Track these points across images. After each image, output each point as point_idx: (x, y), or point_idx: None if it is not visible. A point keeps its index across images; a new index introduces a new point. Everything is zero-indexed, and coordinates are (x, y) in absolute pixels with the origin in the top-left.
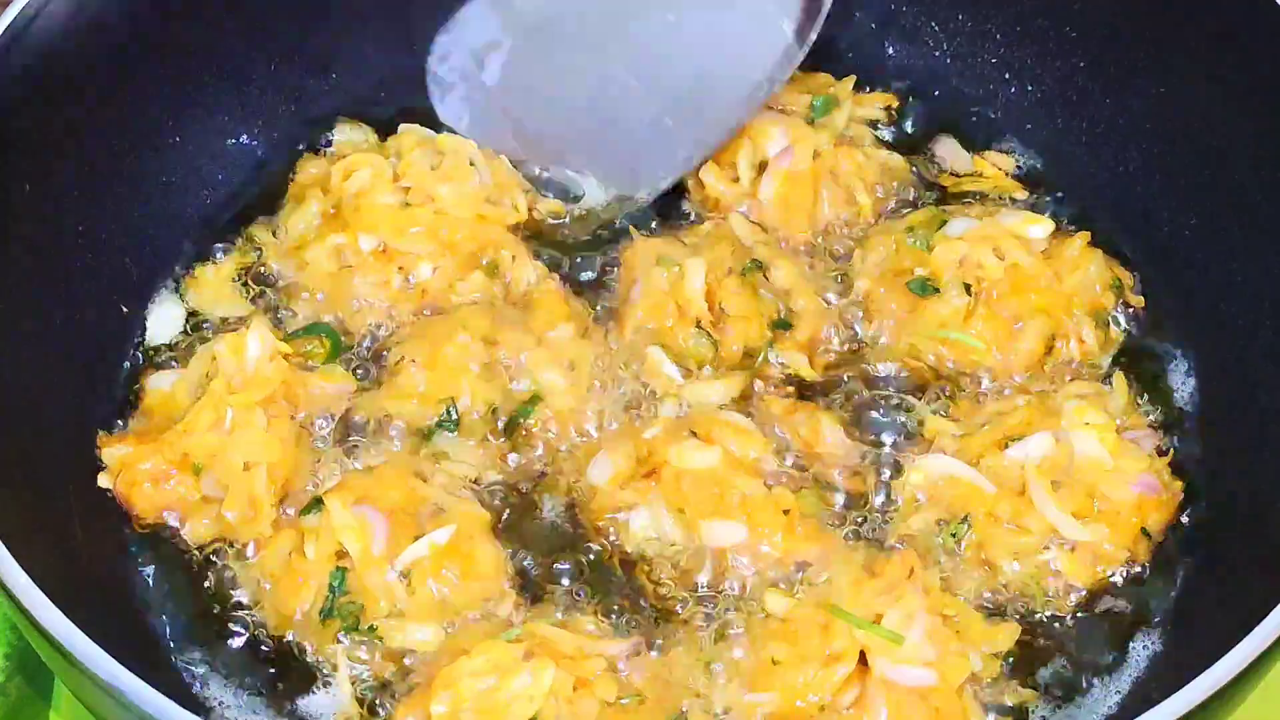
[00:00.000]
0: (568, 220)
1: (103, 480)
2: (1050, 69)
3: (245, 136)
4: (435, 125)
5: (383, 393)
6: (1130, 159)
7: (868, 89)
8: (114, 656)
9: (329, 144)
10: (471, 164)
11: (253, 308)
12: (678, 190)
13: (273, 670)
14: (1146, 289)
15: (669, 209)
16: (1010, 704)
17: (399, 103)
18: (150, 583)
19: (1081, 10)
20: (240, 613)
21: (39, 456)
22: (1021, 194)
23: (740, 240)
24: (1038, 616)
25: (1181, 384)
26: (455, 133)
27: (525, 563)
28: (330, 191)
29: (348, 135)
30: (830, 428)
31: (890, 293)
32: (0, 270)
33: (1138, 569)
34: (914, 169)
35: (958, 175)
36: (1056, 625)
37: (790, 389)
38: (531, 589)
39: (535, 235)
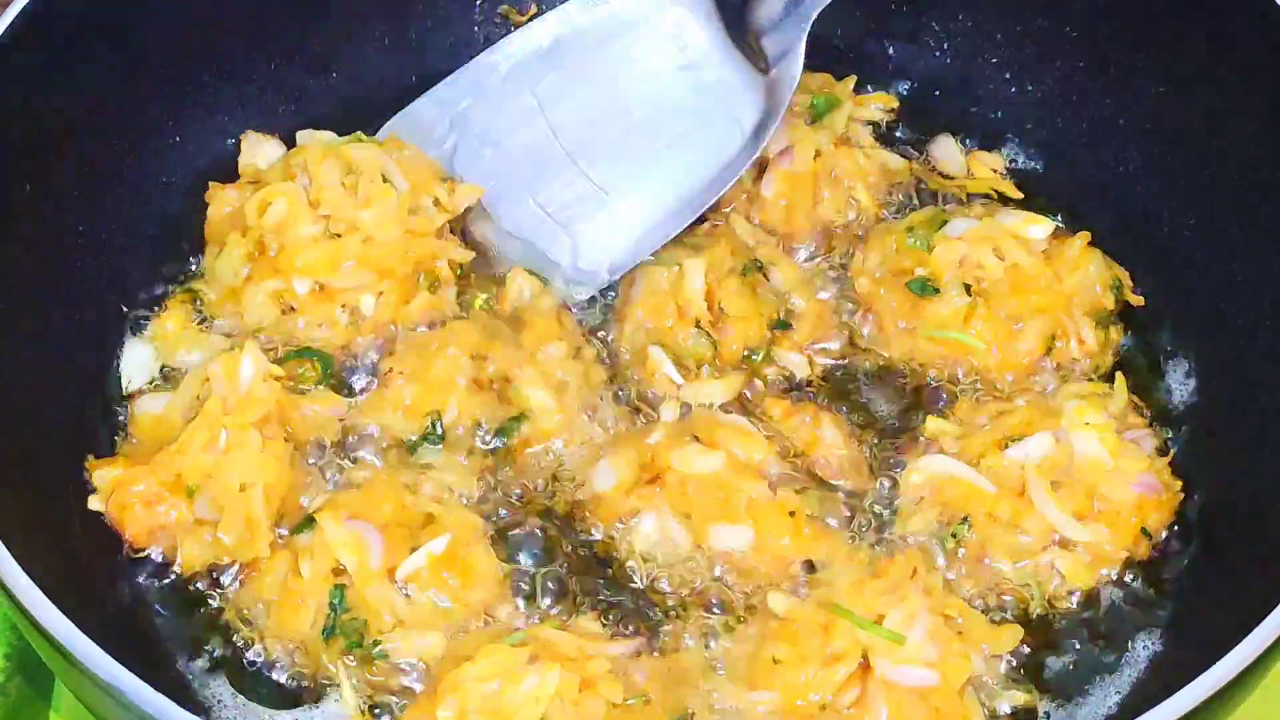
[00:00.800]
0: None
1: (93, 503)
2: (1050, 69)
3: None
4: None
5: (367, 405)
6: (1130, 159)
7: (869, 89)
8: (114, 656)
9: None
10: (385, 179)
11: (224, 344)
12: None
13: (276, 679)
14: (1146, 289)
15: None
16: (1010, 704)
17: (398, 103)
18: (151, 583)
19: (1081, 10)
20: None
21: (39, 456)
22: (1015, 194)
23: (740, 240)
24: (1038, 616)
25: (1181, 384)
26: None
27: (523, 568)
28: (250, 229)
29: (254, 150)
30: (830, 428)
31: (890, 293)
32: (1, 269)
33: (1138, 569)
34: (914, 169)
35: (953, 176)
36: (1056, 625)
37: (789, 389)
38: (531, 594)
39: None
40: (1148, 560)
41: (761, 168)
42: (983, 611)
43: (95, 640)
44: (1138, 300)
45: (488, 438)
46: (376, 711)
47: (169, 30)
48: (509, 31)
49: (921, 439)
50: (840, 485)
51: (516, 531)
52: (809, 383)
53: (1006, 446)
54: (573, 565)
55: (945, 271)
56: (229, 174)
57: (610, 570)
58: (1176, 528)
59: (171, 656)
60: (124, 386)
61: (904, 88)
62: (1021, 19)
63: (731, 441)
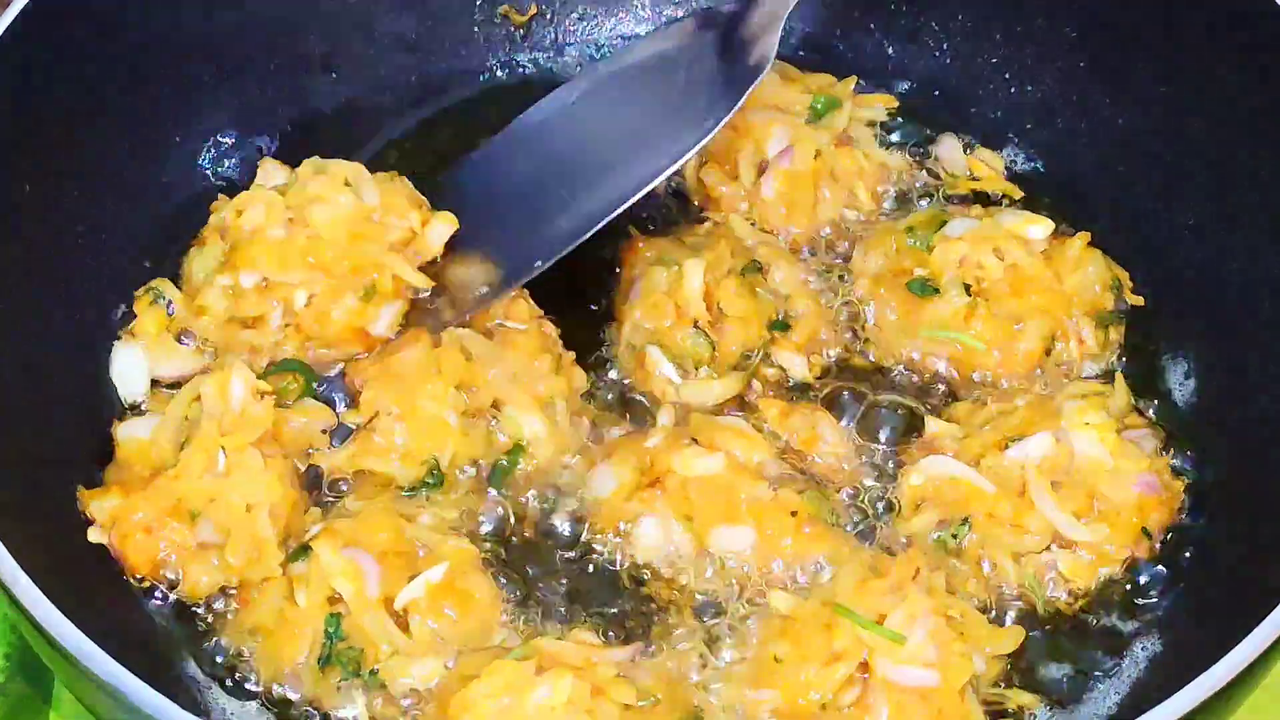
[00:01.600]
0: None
1: (93, 535)
2: (1050, 69)
3: (245, 136)
4: (431, 130)
5: (360, 449)
6: (1130, 159)
7: (869, 86)
8: (114, 656)
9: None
10: (348, 184)
11: (205, 360)
12: (678, 190)
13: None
14: (1146, 289)
15: (669, 209)
16: (1011, 705)
17: (398, 103)
18: (152, 583)
19: (1081, 10)
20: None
21: (39, 456)
22: (1016, 194)
23: (740, 240)
24: (1038, 616)
25: (1181, 384)
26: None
27: (519, 585)
28: (228, 231)
29: (267, 176)
30: (829, 429)
31: (890, 293)
32: (1, 269)
33: (1138, 569)
34: (914, 169)
35: (955, 176)
36: (1057, 625)
37: (788, 390)
38: (527, 609)
39: None
40: (1148, 560)
41: (761, 168)
42: (983, 612)
43: (95, 640)
44: (1138, 300)
45: (485, 473)
46: None
47: (169, 30)
48: (509, 32)
49: (921, 439)
50: (840, 486)
51: (514, 549)
52: (808, 383)
53: (1007, 446)
54: (572, 575)
55: (945, 271)
56: (228, 174)
57: (611, 574)
58: (1177, 528)
59: (172, 656)
60: (123, 398)
61: (904, 88)
62: (1021, 19)
63: (731, 443)
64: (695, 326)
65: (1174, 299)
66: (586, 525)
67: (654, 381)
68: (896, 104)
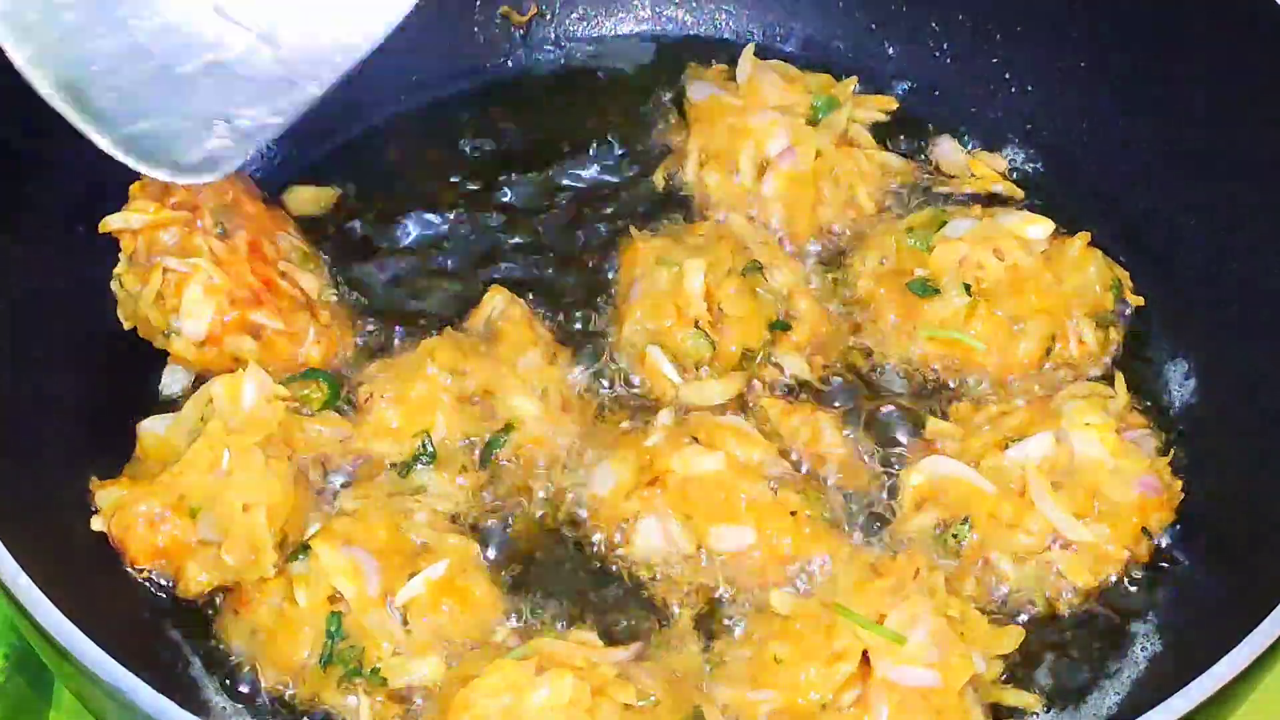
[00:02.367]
0: None
1: (96, 524)
2: (1050, 69)
3: None
4: (432, 126)
5: (356, 433)
6: (1130, 159)
7: (869, 86)
8: (114, 656)
9: None
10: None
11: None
12: (678, 190)
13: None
14: (1146, 289)
15: (669, 209)
16: (1011, 705)
17: (398, 104)
18: (152, 583)
19: (1082, 10)
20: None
21: (40, 455)
22: (1017, 194)
23: (740, 240)
24: (1038, 617)
25: (1181, 384)
26: None
27: (521, 583)
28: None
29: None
30: (829, 429)
31: (890, 293)
32: (1, 265)
33: (1138, 569)
34: (914, 169)
35: (955, 176)
36: (1057, 625)
37: (788, 390)
38: (527, 608)
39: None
40: (1148, 560)
41: (762, 168)
42: (983, 612)
43: (95, 640)
44: (1138, 301)
45: (477, 453)
46: None
47: None
48: (509, 32)
49: (922, 439)
50: (840, 485)
51: (513, 547)
52: (808, 383)
53: (1007, 447)
54: (571, 576)
55: (945, 272)
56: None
57: (610, 575)
58: (1177, 528)
59: (172, 657)
60: (161, 391)
61: (904, 88)
62: (1021, 19)
63: (731, 442)
64: (695, 326)
65: (1174, 299)
66: (586, 524)
67: (654, 381)
68: (896, 104)
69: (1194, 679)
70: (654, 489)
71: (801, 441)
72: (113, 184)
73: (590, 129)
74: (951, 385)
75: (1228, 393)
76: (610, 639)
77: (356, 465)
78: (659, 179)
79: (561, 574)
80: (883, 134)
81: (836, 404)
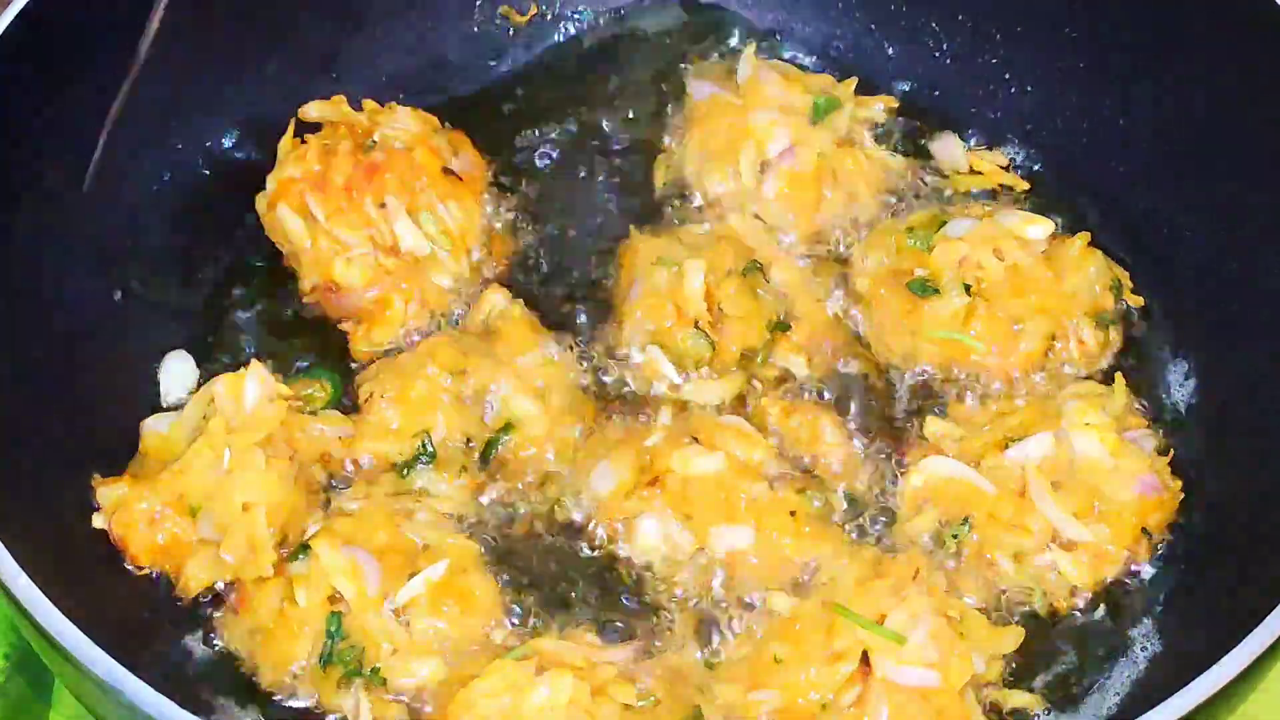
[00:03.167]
0: None
1: (97, 521)
2: (1050, 69)
3: (246, 137)
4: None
5: (356, 432)
6: (1130, 159)
7: (869, 86)
8: (114, 656)
9: None
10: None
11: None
12: (678, 190)
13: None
14: (1146, 289)
15: (669, 209)
16: (1011, 705)
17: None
18: (151, 583)
19: (1081, 10)
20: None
21: (40, 455)
22: (1022, 185)
23: (740, 240)
24: (1038, 617)
25: (1181, 384)
26: None
27: (521, 584)
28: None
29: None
30: (829, 428)
31: (890, 293)
32: (1, 265)
33: (1138, 569)
34: (914, 169)
35: (955, 175)
36: (1057, 625)
37: (789, 390)
38: (527, 608)
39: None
40: (1148, 560)
41: (762, 167)
42: (983, 612)
43: (95, 641)
44: (1137, 300)
45: (476, 453)
46: None
47: (168, 30)
48: (509, 32)
49: (921, 439)
50: (840, 485)
51: (513, 547)
52: (808, 383)
53: (1007, 447)
54: (571, 576)
55: (945, 272)
56: (228, 174)
57: (610, 575)
58: (1177, 528)
59: (173, 656)
60: (163, 398)
61: (904, 88)
62: (1021, 19)
63: (731, 442)
64: (695, 326)
65: (1174, 299)
66: (586, 524)
67: (654, 381)
68: (897, 104)
69: (1194, 679)
70: (654, 489)
71: (801, 441)
72: (111, 183)
73: (590, 128)
74: (951, 385)
75: (1228, 393)
76: (610, 639)
77: (357, 465)
78: (659, 178)
79: (561, 574)
80: (883, 134)
81: (836, 404)
